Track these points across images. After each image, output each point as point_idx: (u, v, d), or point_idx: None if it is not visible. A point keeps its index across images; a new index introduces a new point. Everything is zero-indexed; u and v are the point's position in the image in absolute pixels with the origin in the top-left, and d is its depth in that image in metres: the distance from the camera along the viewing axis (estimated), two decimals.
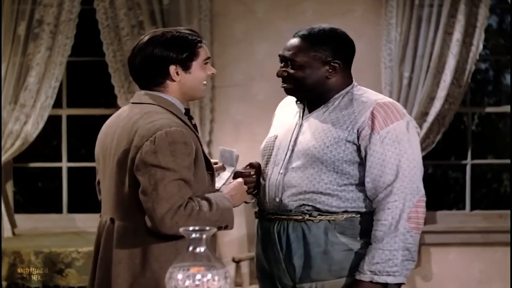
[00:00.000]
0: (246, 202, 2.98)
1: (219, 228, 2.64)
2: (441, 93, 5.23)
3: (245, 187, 2.84)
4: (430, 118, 5.25)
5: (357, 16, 5.35)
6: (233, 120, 5.42)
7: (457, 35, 5.19)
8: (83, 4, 5.31)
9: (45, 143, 6.37)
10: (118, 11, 5.25)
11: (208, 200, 2.63)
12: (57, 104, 5.47)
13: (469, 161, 5.67)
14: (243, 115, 5.42)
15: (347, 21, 5.25)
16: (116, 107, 5.28)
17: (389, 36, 5.24)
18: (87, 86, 6.62)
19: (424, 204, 2.75)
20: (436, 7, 5.22)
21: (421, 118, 5.23)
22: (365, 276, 2.71)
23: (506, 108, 5.87)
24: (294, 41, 2.84)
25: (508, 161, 5.68)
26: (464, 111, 5.73)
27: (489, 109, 6.49)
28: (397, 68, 5.23)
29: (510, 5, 5.31)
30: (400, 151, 2.72)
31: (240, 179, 2.84)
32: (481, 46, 5.26)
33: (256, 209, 2.97)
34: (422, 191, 2.75)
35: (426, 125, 5.24)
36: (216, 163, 2.88)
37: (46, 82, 5.27)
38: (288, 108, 2.98)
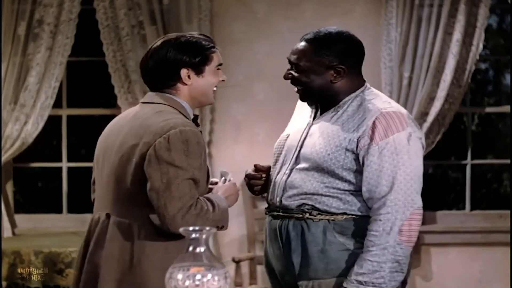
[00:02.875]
0: (262, 196, 3.01)
1: (217, 228, 2.66)
2: (441, 93, 5.23)
3: (238, 188, 2.86)
4: (430, 118, 5.25)
5: (357, 16, 5.36)
6: (233, 120, 5.42)
7: (457, 35, 5.20)
8: (83, 4, 5.31)
9: (45, 143, 6.37)
10: (118, 11, 5.25)
11: (210, 201, 2.65)
12: (57, 104, 5.47)
13: (469, 161, 5.67)
14: (243, 115, 5.42)
15: (347, 21, 5.25)
16: (116, 107, 5.28)
17: (389, 36, 5.25)
18: (87, 86, 6.62)
19: (419, 217, 2.72)
20: (436, 7, 5.22)
21: (421, 118, 5.24)
22: (352, 285, 2.72)
23: (506, 108, 5.87)
24: (300, 45, 2.83)
25: (508, 161, 5.68)
26: (464, 111, 5.73)
27: (489, 109, 6.48)
28: (397, 68, 5.23)
29: (510, 5, 5.31)
30: (397, 163, 2.70)
31: (232, 181, 2.85)
32: (481, 46, 5.26)
33: (266, 206, 2.99)
34: (418, 204, 2.72)
35: (426, 125, 5.24)
36: (216, 183, 2.90)
37: (46, 82, 5.27)
38: (305, 106, 2.98)
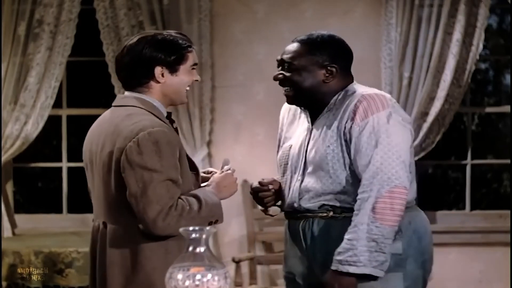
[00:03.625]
0: (271, 215, 3.01)
1: (210, 223, 2.66)
2: (441, 93, 5.23)
3: (234, 178, 2.81)
4: (430, 118, 5.25)
5: (357, 16, 5.35)
6: (233, 120, 5.42)
7: (457, 35, 5.19)
8: (83, 4, 5.31)
9: (45, 143, 6.37)
10: (118, 11, 5.25)
11: (196, 197, 2.64)
12: (57, 104, 5.47)
13: (469, 161, 5.67)
14: (243, 115, 5.42)
15: (347, 21, 5.25)
16: None
17: (389, 36, 5.24)
18: (87, 86, 6.61)
19: (399, 195, 2.67)
20: (436, 7, 5.22)
21: (421, 118, 5.24)
22: (334, 266, 2.71)
23: (506, 108, 5.87)
24: (292, 45, 2.87)
25: (508, 161, 5.68)
26: (464, 111, 5.73)
27: (489, 109, 6.48)
28: (397, 68, 5.23)
29: (510, 5, 5.31)
30: (375, 142, 2.70)
31: (229, 171, 2.83)
32: (481, 46, 5.26)
33: (283, 212, 2.99)
34: (396, 182, 2.67)
35: (426, 125, 5.24)
36: (211, 171, 2.90)
37: (46, 82, 5.27)
38: (296, 113, 2.99)
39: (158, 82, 2.70)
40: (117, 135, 2.61)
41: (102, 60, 5.34)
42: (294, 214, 2.91)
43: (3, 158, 5.28)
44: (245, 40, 5.38)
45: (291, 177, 2.90)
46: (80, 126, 6.41)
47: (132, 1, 5.26)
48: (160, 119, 2.67)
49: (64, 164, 5.69)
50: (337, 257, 2.70)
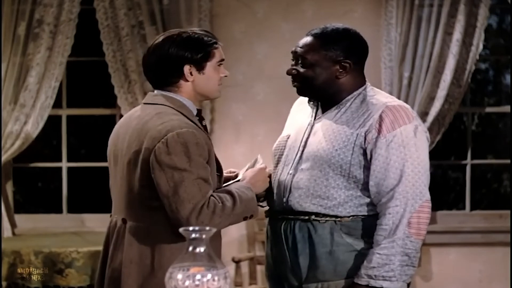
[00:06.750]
0: (261, 206, 2.99)
1: (245, 218, 2.68)
2: (441, 93, 5.23)
3: (267, 172, 2.83)
4: (430, 118, 5.25)
5: (357, 16, 5.36)
6: (233, 120, 5.42)
7: (457, 35, 5.20)
8: (83, 4, 5.31)
9: (45, 143, 6.37)
10: (118, 11, 5.26)
11: (230, 193, 2.64)
12: (57, 104, 5.48)
13: (469, 161, 5.68)
14: (243, 115, 5.42)
15: (347, 21, 5.20)
16: (116, 107, 5.27)
17: (389, 36, 5.25)
18: (87, 86, 6.62)
19: (428, 209, 2.71)
20: (436, 7, 5.22)
21: (421, 118, 5.22)
22: (362, 280, 2.70)
23: (506, 108, 5.87)
24: (306, 39, 2.83)
25: (508, 161, 5.68)
26: (464, 111, 5.74)
27: (489, 109, 6.49)
28: (397, 68, 5.23)
29: (510, 5, 5.31)
30: (405, 155, 2.69)
31: (263, 165, 2.83)
32: (481, 46, 5.26)
33: (267, 208, 2.96)
34: (426, 196, 2.71)
35: (426, 125, 5.24)
36: (233, 172, 2.90)
37: (46, 82, 5.27)
38: (304, 106, 2.96)
39: (187, 80, 2.69)
40: (145, 134, 2.60)
41: (102, 60, 5.34)
42: (275, 215, 2.87)
43: (3, 158, 5.28)
44: (245, 40, 5.38)
45: (283, 169, 2.85)
46: (80, 126, 6.43)
47: (132, 1, 5.26)
48: (189, 118, 2.66)
49: (64, 164, 5.69)
50: (368, 272, 2.68)
